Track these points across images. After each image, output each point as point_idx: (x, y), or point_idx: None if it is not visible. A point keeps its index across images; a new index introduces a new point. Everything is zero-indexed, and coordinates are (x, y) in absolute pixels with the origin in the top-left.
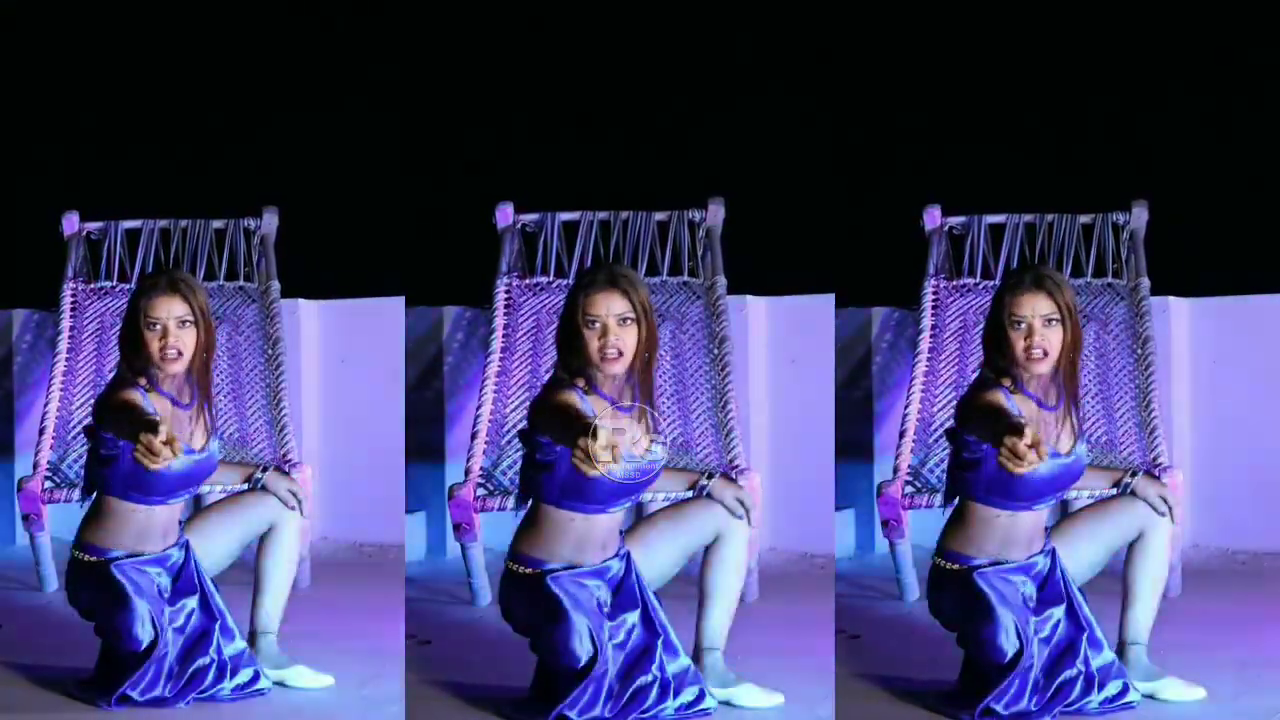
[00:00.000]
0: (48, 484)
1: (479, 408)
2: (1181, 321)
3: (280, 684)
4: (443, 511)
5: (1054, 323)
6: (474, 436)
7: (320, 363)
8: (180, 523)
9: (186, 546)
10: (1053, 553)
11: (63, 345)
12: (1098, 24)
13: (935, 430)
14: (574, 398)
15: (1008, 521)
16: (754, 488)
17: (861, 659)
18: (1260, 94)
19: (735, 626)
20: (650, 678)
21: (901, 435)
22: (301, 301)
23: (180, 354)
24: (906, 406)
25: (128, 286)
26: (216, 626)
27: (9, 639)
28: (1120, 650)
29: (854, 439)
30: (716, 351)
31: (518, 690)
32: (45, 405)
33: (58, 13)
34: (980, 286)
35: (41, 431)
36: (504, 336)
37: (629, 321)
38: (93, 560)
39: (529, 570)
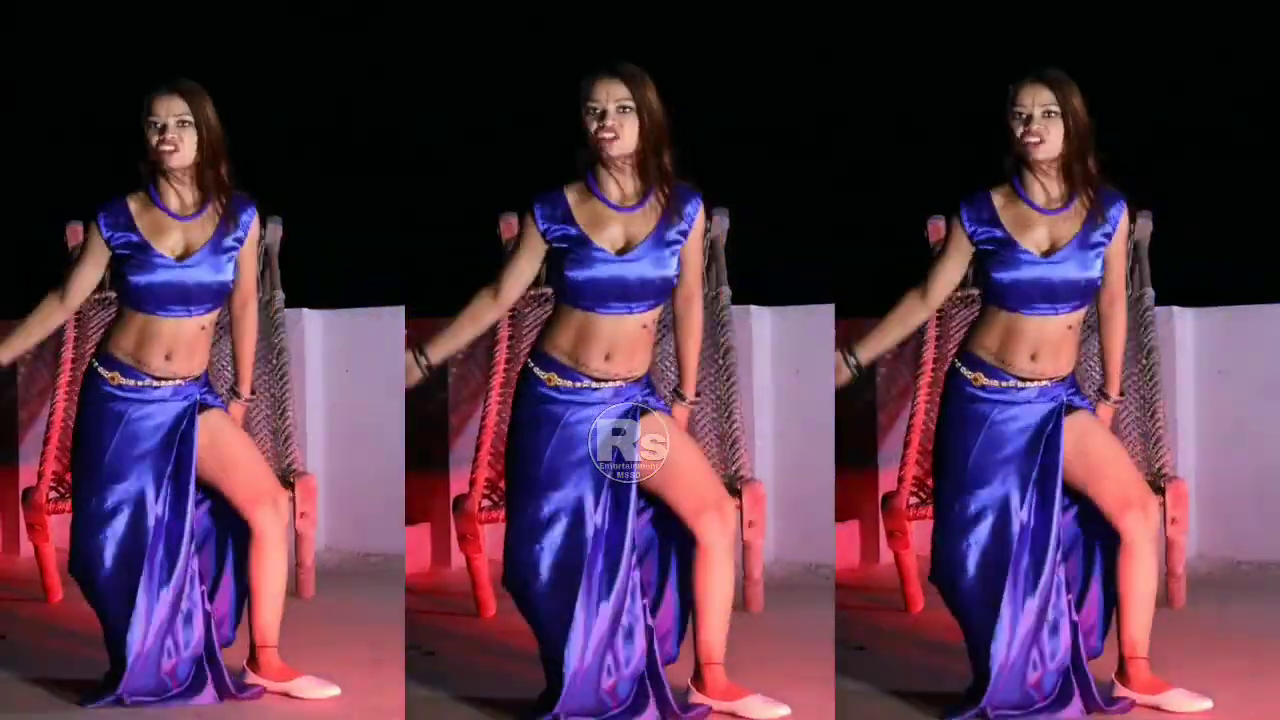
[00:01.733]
0: (52, 494)
1: (483, 419)
2: (1186, 331)
3: (285, 695)
4: (447, 522)
5: (1053, 115)
6: (478, 447)
7: (324, 372)
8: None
9: (190, 413)
10: (1057, 415)
11: (67, 355)
12: (1102, 32)
13: None
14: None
15: (1006, 321)
16: (758, 498)
17: (865, 671)
18: (1265, 103)
19: (740, 638)
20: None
21: (906, 446)
22: (306, 311)
23: (176, 149)
24: (911, 417)
25: None
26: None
27: (13, 649)
28: (1122, 665)
29: (858, 450)
30: (721, 362)
31: (522, 701)
32: (50, 415)
33: (61, 19)
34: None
35: (46, 441)
36: (508, 348)
37: (628, 110)
38: (95, 365)
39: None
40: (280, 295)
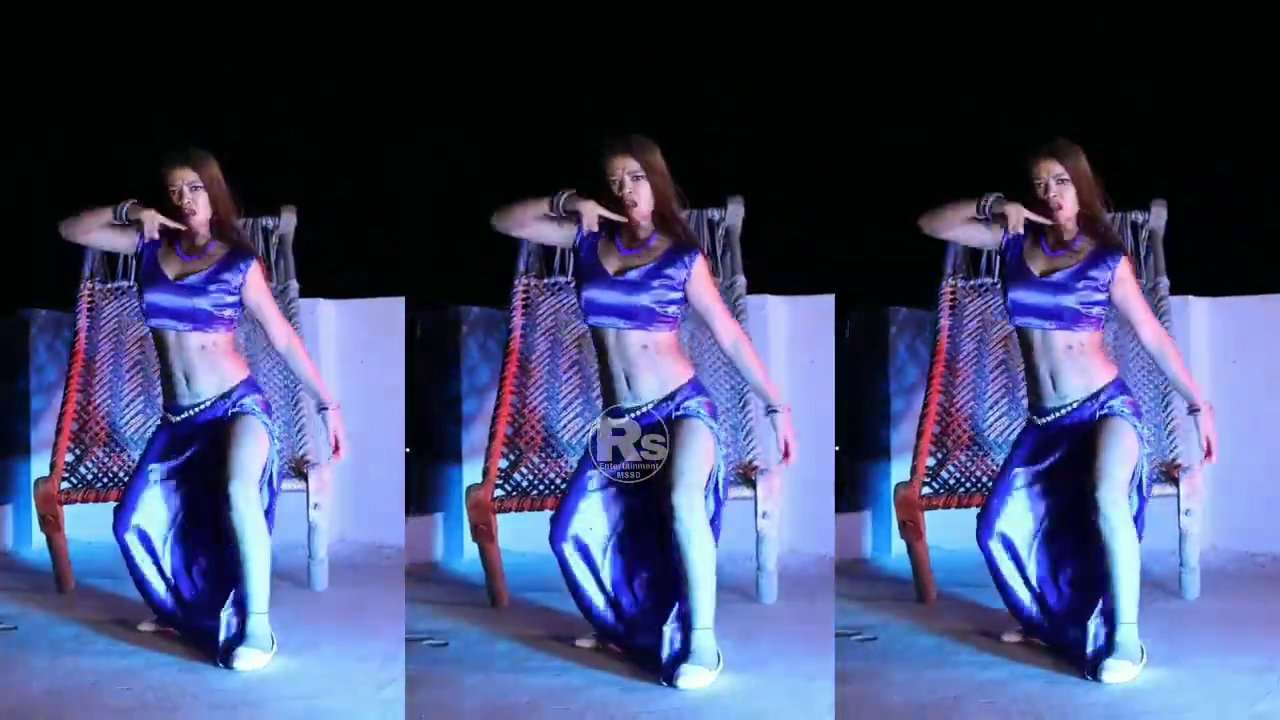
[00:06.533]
0: (64, 485)
1: (497, 408)
2: (1200, 320)
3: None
4: (460, 513)
5: (1065, 181)
6: (492, 437)
7: (338, 363)
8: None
9: (206, 434)
10: (1090, 420)
11: (79, 345)
12: (1117, 23)
13: (954, 430)
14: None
15: (1024, 341)
16: (772, 489)
17: (878, 661)
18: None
19: (752, 628)
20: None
21: (919, 436)
22: (320, 301)
23: (195, 211)
24: (924, 407)
25: None
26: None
27: (25, 639)
28: (1112, 634)
29: (871, 439)
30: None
31: (535, 690)
32: (62, 406)
33: (74, 13)
34: (998, 286)
35: (58, 432)
36: (522, 337)
37: (640, 177)
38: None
39: None
40: (295, 285)
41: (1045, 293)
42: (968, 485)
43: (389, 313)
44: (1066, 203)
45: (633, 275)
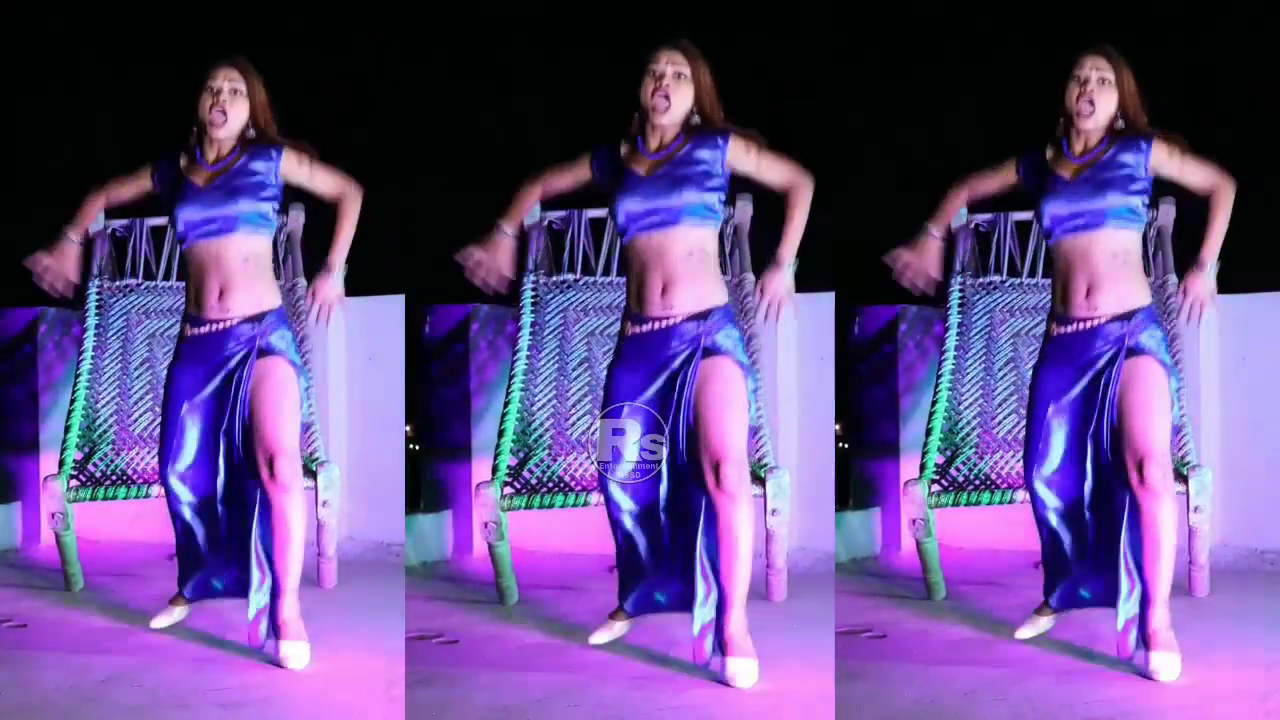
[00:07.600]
0: (73, 483)
1: (505, 405)
2: (1209, 317)
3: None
4: (469, 510)
5: (1108, 83)
6: (501, 434)
7: (347, 360)
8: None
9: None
10: (1116, 358)
11: (88, 343)
12: (1126, 20)
13: (963, 428)
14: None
15: (1059, 253)
16: (782, 486)
17: (887, 658)
18: None
19: (760, 624)
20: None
21: (928, 433)
22: None
23: (225, 118)
24: (933, 404)
25: (153, 284)
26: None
27: (36, 639)
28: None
29: (881, 437)
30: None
31: (545, 688)
32: (70, 403)
33: (75, 13)
34: (1006, 284)
35: (67, 429)
36: (531, 334)
37: (683, 77)
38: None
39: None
40: (303, 283)
41: (1082, 193)
42: (976, 483)
43: (397, 311)
44: (1101, 105)
45: (666, 170)
